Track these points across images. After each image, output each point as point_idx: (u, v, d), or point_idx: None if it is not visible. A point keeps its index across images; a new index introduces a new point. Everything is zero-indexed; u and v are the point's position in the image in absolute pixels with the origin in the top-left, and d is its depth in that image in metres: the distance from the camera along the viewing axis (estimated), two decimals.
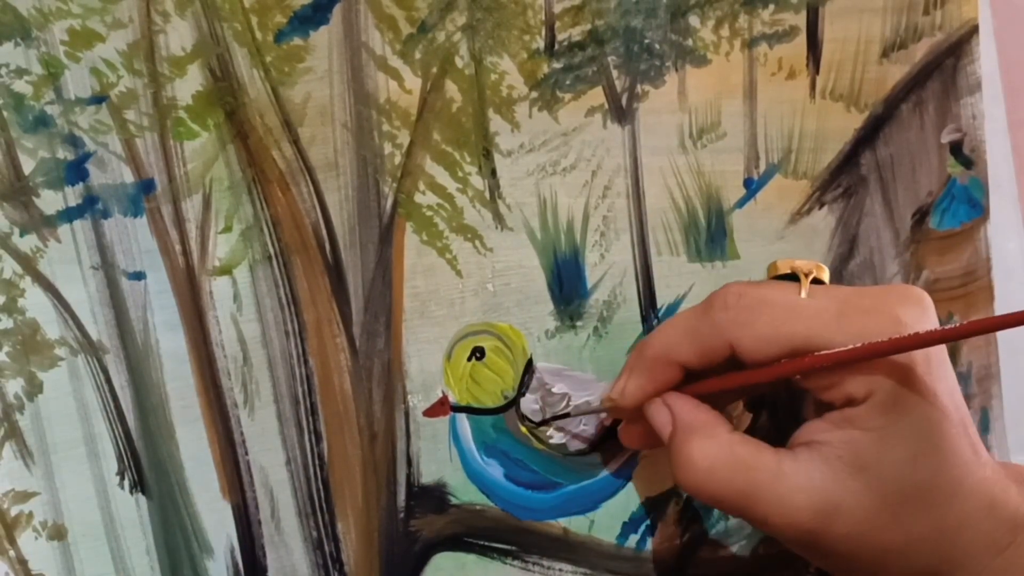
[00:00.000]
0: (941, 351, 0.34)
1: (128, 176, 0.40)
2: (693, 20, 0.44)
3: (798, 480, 0.33)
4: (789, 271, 0.37)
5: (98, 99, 0.39)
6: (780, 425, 0.43)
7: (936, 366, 0.33)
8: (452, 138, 0.42)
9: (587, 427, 0.43)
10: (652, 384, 0.37)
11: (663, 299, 0.44)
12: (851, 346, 0.32)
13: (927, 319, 0.34)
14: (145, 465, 0.40)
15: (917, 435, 0.32)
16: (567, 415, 0.43)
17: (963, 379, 0.47)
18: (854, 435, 0.33)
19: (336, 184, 0.41)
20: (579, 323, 0.44)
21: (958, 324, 0.33)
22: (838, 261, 0.46)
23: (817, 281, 0.36)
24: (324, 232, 0.41)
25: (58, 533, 0.39)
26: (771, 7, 0.44)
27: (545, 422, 0.43)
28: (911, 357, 0.32)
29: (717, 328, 0.35)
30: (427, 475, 0.42)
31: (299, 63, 0.41)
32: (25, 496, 0.38)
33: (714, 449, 0.34)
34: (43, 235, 0.39)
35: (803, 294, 0.35)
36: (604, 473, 0.44)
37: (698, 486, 0.34)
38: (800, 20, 0.45)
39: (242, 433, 0.41)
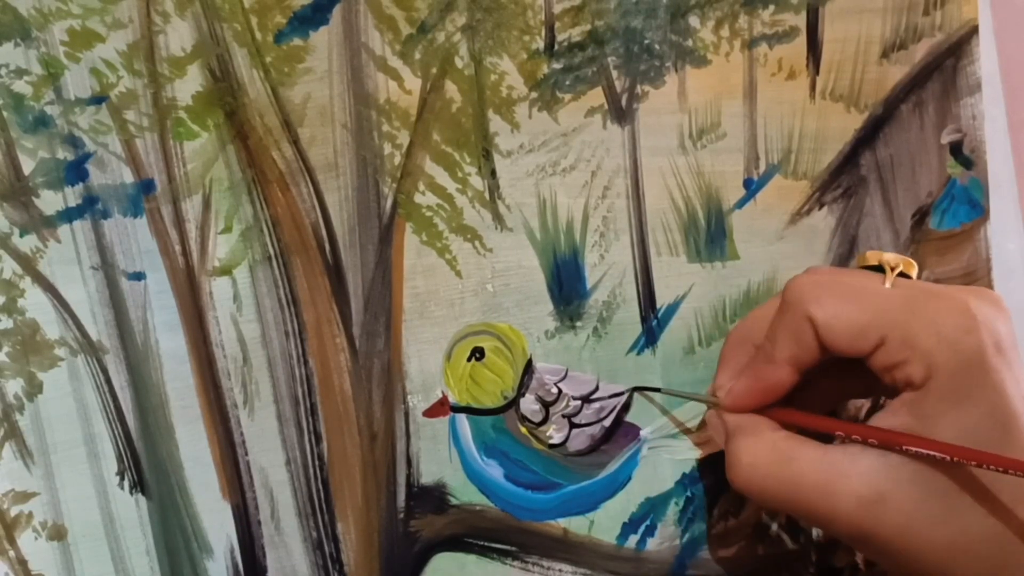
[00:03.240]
0: (1014, 352, 0.33)
1: (128, 176, 0.40)
2: (693, 20, 0.44)
3: (843, 468, 0.32)
4: (877, 263, 0.37)
5: (98, 99, 0.39)
6: None
7: (1009, 365, 0.32)
8: (452, 138, 0.42)
9: (590, 426, 0.43)
10: (758, 386, 0.36)
11: (663, 299, 0.44)
12: (922, 340, 0.32)
13: (1002, 318, 0.33)
14: (145, 465, 0.40)
15: (976, 426, 0.31)
16: (658, 389, 0.43)
17: None
18: (907, 421, 0.32)
19: (336, 184, 0.41)
20: (579, 323, 0.44)
21: None
22: (838, 262, 0.46)
23: (904, 276, 0.36)
24: (324, 232, 0.41)
25: (58, 533, 0.39)
26: (771, 7, 0.44)
27: (658, 389, 0.43)
28: (980, 342, 0.31)
29: (793, 307, 0.35)
30: (427, 475, 0.42)
31: (299, 63, 0.41)
32: (25, 496, 0.39)
33: (757, 445, 0.35)
34: (43, 235, 0.39)
35: (887, 284, 0.35)
36: (604, 474, 0.44)
37: (743, 482, 0.35)
38: (800, 20, 0.45)
39: (242, 433, 0.41)
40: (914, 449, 0.31)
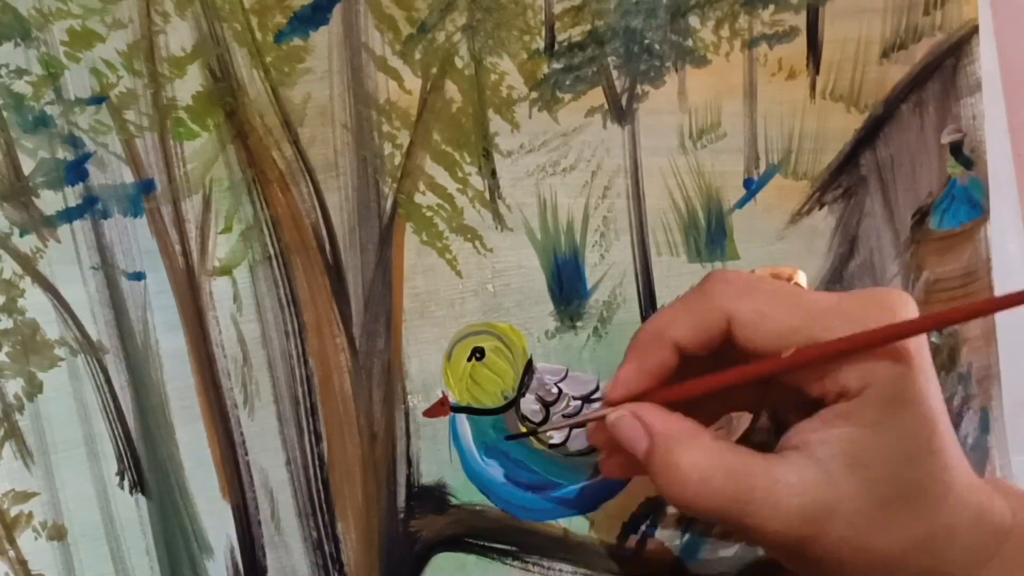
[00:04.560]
0: (927, 357, 0.33)
1: (128, 176, 0.40)
2: (693, 20, 0.44)
3: (791, 484, 0.32)
4: (771, 273, 0.37)
5: (98, 99, 0.39)
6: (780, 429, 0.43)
7: (928, 366, 0.32)
8: (452, 138, 0.42)
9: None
10: (644, 368, 0.34)
11: (663, 299, 0.44)
12: (847, 335, 0.31)
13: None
14: (145, 465, 0.40)
15: (913, 433, 0.31)
16: (534, 432, 0.42)
17: (963, 380, 0.47)
18: (848, 432, 0.32)
19: (336, 184, 0.41)
20: (579, 323, 0.44)
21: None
22: (838, 261, 0.46)
23: (796, 286, 0.36)
24: (324, 232, 0.41)
25: (58, 533, 0.39)
26: (771, 7, 0.44)
27: (533, 432, 0.42)
28: (907, 352, 0.31)
29: (715, 301, 0.33)
30: (427, 475, 0.42)
31: (299, 63, 0.41)
32: (25, 496, 0.38)
33: (704, 458, 0.32)
34: (43, 235, 0.39)
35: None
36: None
37: (691, 498, 0.32)
38: (800, 20, 0.45)
39: (242, 433, 0.41)
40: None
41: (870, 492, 0.31)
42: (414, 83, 0.42)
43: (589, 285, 0.44)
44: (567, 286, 0.43)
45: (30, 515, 0.38)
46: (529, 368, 0.43)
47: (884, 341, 0.31)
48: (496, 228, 0.43)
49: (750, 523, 0.32)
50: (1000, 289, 0.47)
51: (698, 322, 0.33)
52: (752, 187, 0.45)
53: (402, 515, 0.42)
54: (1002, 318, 0.48)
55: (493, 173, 0.43)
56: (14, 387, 0.38)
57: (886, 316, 0.32)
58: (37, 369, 0.39)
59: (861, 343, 0.31)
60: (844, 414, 0.32)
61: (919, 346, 0.32)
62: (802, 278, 0.37)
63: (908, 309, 0.33)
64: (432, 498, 0.42)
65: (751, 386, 0.36)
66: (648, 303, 0.44)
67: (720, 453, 0.33)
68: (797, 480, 0.32)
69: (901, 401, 0.31)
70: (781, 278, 0.36)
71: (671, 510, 0.44)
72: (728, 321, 0.33)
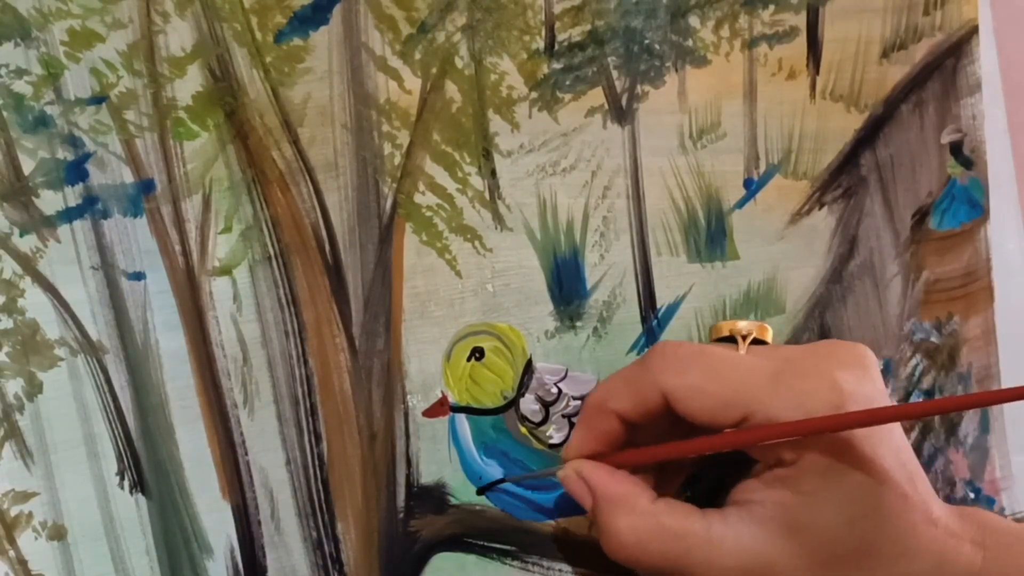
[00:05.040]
0: (885, 399, 0.34)
1: (128, 176, 0.40)
2: (693, 20, 0.44)
3: (728, 543, 0.32)
4: (728, 333, 0.38)
5: (98, 99, 0.39)
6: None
7: (878, 428, 0.33)
8: (452, 138, 0.42)
9: None
10: (592, 435, 0.36)
11: (663, 299, 0.44)
12: (787, 420, 0.32)
13: (868, 380, 0.34)
14: (145, 465, 0.40)
15: (852, 500, 0.32)
16: (502, 481, 0.43)
17: (963, 379, 0.47)
18: (786, 496, 0.32)
19: (336, 184, 0.41)
20: (579, 324, 0.44)
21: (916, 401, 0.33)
22: (838, 262, 0.46)
23: (758, 342, 0.36)
24: (324, 232, 0.41)
25: (58, 533, 0.39)
26: (771, 7, 0.44)
27: (490, 486, 0.42)
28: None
29: (651, 376, 0.34)
30: (427, 475, 0.42)
31: (299, 63, 0.41)
32: (25, 496, 0.39)
33: (640, 522, 0.34)
34: (43, 235, 0.39)
35: (742, 351, 0.35)
36: None
37: (629, 560, 0.34)
38: (800, 20, 0.45)
39: (242, 433, 0.41)
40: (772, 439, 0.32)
41: (809, 554, 0.32)
42: (414, 83, 0.42)
43: (589, 285, 0.44)
44: (567, 286, 0.43)
45: (30, 515, 0.39)
46: (529, 368, 0.43)
47: (825, 430, 0.31)
48: (496, 228, 0.43)
49: None
50: (1000, 289, 0.47)
51: (636, 396, 0.35)
52: (752, 187, 0.45)
53: (402, 515, 0.42)
54: (1002, 317, 0.48)
55: (493, 173, 0.43)
56: (14, 387, 0.38)
57: (824, 394, 0.32)
58: (37, 369, 0.39)
59: (802, 430, 0.32)
60: (782, 478, 0.33)
61: (866, 408, 0.32)
62: (768, 333, 0.38)
63: (854, 374, 0.33)
64: (432, 498, 0.42)
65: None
66: (648, 303, 0.44)
67: (656, 516, 0.34)
68: (734, 539, 0.33)
69: (837, 470, 0.32)
70: (738, 334, 0.37)
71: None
72: (665, 396, 0.34)
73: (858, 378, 0.33)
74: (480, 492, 0.42)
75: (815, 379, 0.33)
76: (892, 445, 0.33)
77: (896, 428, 0.34)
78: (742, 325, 0.38)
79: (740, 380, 0.33)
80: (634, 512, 0.34)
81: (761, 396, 0.33)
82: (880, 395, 0.34)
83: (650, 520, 0.34)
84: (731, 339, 0.38)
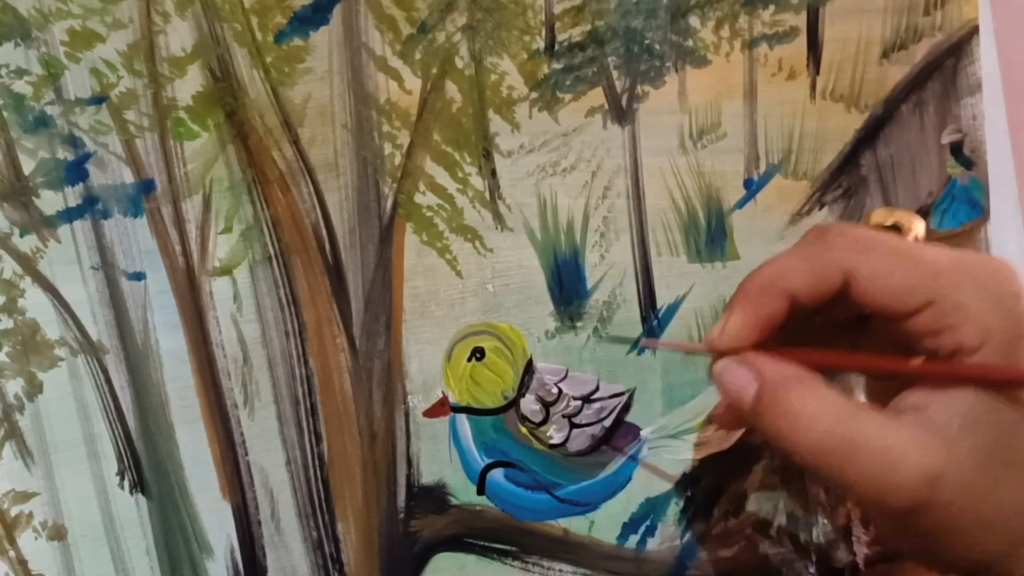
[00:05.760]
0: None
1: (128, 176, 0.40)
2: (693, 21, 0.44)
3: (906, 436, 0.30)
4: (892, 223, 0.36)
5: (98, 99, 0.39)
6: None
7: None
8: (452, 139, 0.42)
9: (590, 426, 0.43)
10: (756, 317, 0.33)
11: (663, 299, 0.44)
12: (974, 304, 0.30)
13: None
14: (145, 465, 0.40)
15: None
16: (636, 341, 0.39)
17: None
18: (964, 394, 0.31)
19: (336, 184, 0.41)
20: (579, 324, 0.44)
21: None
22: None
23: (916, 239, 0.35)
24: (324, 232, 0.41)
25: (58, 533, 0.39)
26: (771, 8, 0.44)
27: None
28: (1021, 315, 0.31)
29: (833, 253, 0.32)
30: (427, 475, 0.42)
31: (299, 63, 0.41)
32: (25, 496, 0.39)
33: (816, 397, 0.31)
34: (43, 235, 0.39)
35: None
36: (604, 474, 0.44)
37: (800, 436, 0.31)
38: (800, 21, 0.45)
39: (242, 433, 0.41)
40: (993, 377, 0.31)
41: (980, 457, 0.30)
42: (414, 83, 0.42)
43: (589, 285, 0.44)
44: (567, 286, 0.43)
45: (30, 515, 0.39)
46: (529, 368, 0.43)
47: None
48: (496, 228, 0.43)
49: (864, 470, 0.31)
50: None
51: (816, 275, 0.32)
52: (752, 187, 0.45)
53: (402, 515, 0.42)
54: None
55: (493, 173, 0.43)
56: (14, 387, 0.38)
57: (1006, 281, 0.31)
58: (37, 369, 0.39)
59: (993, 373, 0.30)
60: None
61: None
62: (920, 228, 0.36)
63: (1020, 278, 0.33)
64: (432, 498, 0.42)
65: (850, 338, 0.35)
66: (648, 303, 0.44)
67: (833, 396, 0.32)
68: (913, 436, 0.31)
69: (1016, 360, 0.30)
70: (903, 224, 0.35)
71: (672, 510, 0.44)
72: (846, 276, 0.32)
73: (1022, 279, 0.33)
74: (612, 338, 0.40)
75: (994, 267, 0.32)
76: None
77: None
78: (902, 215, 0.36)
79: (924, 263, 0.32)
80: (810, 388, 0.32)
81: (947, 278, 0.31)
82: None
83: (827, 396, 0.31)
84: (895, 228, 0.37)
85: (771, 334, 0.33)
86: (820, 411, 0.31)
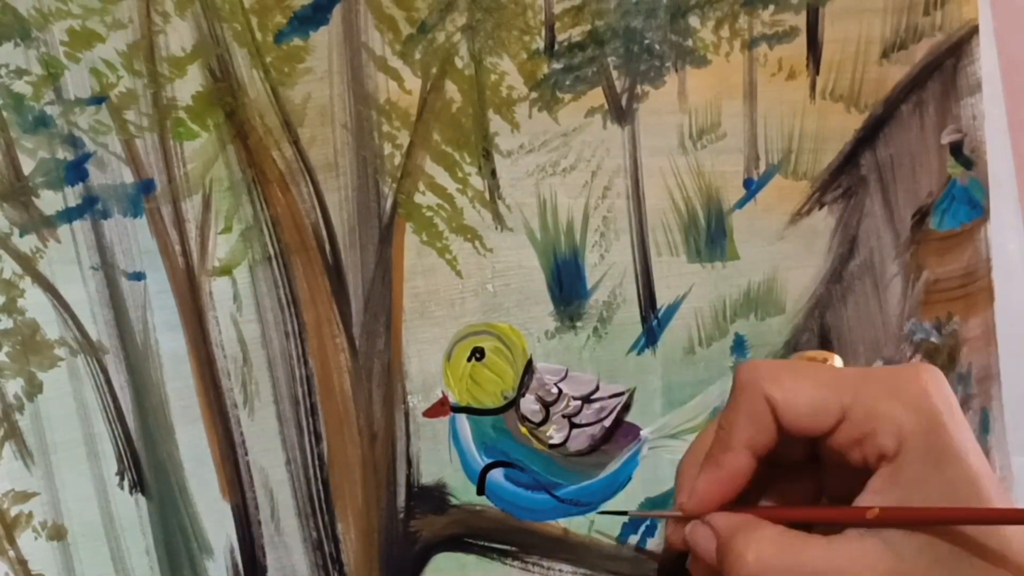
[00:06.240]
0: (962, 415, 0.34)
1: (128, 176, 0.40)
2: (693, 21, 0.44)
3: (852, 553, 0.32)
4: (807, 358, 0.38)
5: (98, 99, 0.39)
6: None
7: (962, 423, 0.33)
8: (452, 138, 0.42)
9: (590, 426, 0.43)
10: (719, 479, 0.35)
11: (663, 299, 0.44)
12: (883, 409, 0.32)
13: (943, 384, 0.34)
14: (145, 465, 0.40)
15: (956, 487, 0.31)
16: (624, 514, 0.42)
17: (963, 380, 0.47)
18: (898, 495, 0.32)
19: (336, 184, 0.41)
20: (579, 323, 0.44)
21: None
22: (838, 262, 0.46)
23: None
24: (324, 232, 0.41)
25: (58, 533, 0.39)
26: (771, 8, 0.44)
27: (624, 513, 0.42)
28: (937, 407, 0.32)
29: (751, 390, 0.34)
30: (427, 475, 0.42)
31: (299, 63, 0.41)
32: (25, 496, 0.39)
33: (760, 541, 0.33)
34: (43, 235, 0.39)
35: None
36: (604, 474, 0.44)
37: (749, 572, 0.33)
38: (800, 21, 0.45)
39: (242, 434, 0.41)
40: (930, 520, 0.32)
41: (930, 550, 0.32)
42: (414, 83, 0.42)
43: (589, 285, 0.44)
44: (567, 286, 0.43)
45: (30, 515, 0.39)
46: (529, 368, 0.43)
47: (988, 520, 0.31)
48: (496, 228, 0.43)
49: None
50: (1000, 289, 0.47)
51: (752, 419, 0.34)
52: (752, 187, 0.45)
53: (402, 515, 0.42)
54: (1002, 318, 0.48)
55: (493, 173, 0.43)
56: (14, 387, 0.38)
57: (911, 383, 0.33)
58: (37, 369, 0.39)
59: (958, 515, 0.31)
60: (890, 477, 0.32)
61: (950, 406, 0.33)
62: (837, 361, 0.38)
63: (933, 375, 0.33)
64: (432, 498, 0.42)
65: (808, 471, 0.36)
66: (648, 303, 0.44)
67: (778, 534, 0.33)
68: (859, 551, 0.32)
69: (938, 457, 0.32)
70: (816, 360, 0.38)
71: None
72: (769, 404, 0.34)
73: (936, 379, 0.34)
74: (601, 513, 0.43)
75: (898, 372, 0.33)
76: (976, 445, 0.33)
77: (971, 430, 0.34)
78: (814, 353, 0.39)
79: (829, 379, 0.34)
80: (755, 532, 0.34)
81: (853, 389, 0.33)
82: (955, 400, 0.34)
83: (772, 538, 0.33)
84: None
85: (740, 490, 0.35)
86: (765, 552, 0.33)
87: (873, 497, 0.33)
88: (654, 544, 0.44)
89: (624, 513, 0.42)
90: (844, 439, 0.33)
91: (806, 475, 0.36)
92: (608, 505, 0.44)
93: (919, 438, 0.32)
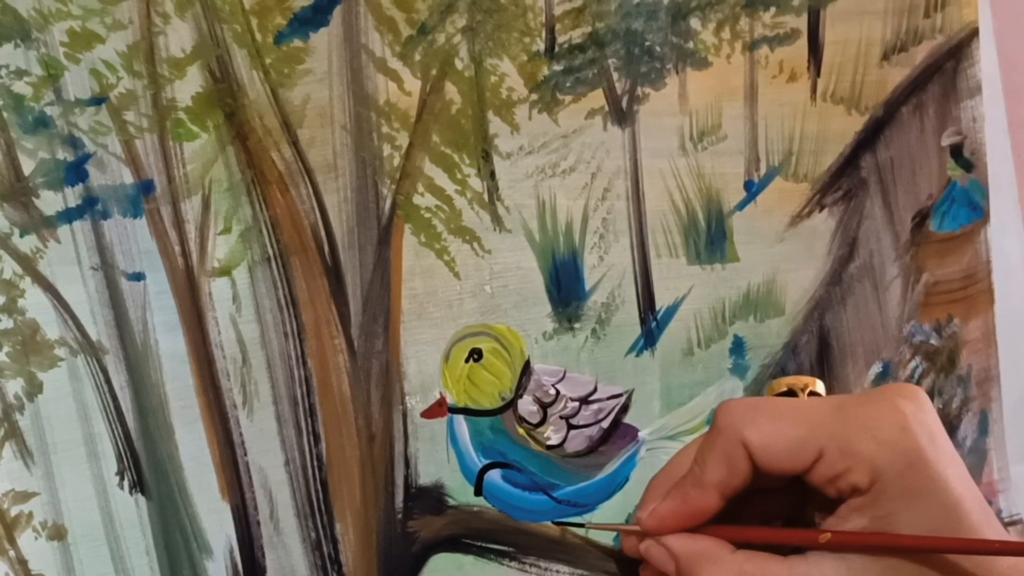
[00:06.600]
0: (946, 442, 0.34)
1: (128, 177, 0.40)
2: (694, 22, 0.44)
3: (811, 575, 0.32)
4: (786, 388, 0.38)
5: (98, 100, 0.39)
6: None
7: (943, 452, 0.33)
8: (451, 140, 0.42)
9: (588, 427, 0.43)
10: (684, 510, 0.36)
11: (662, 301, 0.44)
12: (859, 447, 0.32)
13: (925, 411, 0.34)
14: (145, 466, 0.40)
15: (931, 519, 0.32)
16: (581, 525, 0.43)
17: (962, 382, 0.47)
18: (862, 524, 0.32)
19: (335, 186, 0.41)
20: (577, 325, 0.44)
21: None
22: (838, 264, 0.46)
23: (813, 394, 0.37)
24: (323, 233, 0.41)
25: (58, 533, 0.39)
26: (772, 10, 0.44)
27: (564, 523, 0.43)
28: (917, 443, 0.32)
29: (727, 432, 0.34)
30: (425, 476, 0.42)
31: (299, 65, 0.41)
32: (25, 496, 0.39)
33: (723, 571, 0.34)
34: (43, 236, 0.39)
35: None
36: (602, 475, 0.44)
37: None
38: (801, 23, 0.44)
39: (241, 434, 0.41)
40: (887, 545, 0.32)
41: None
42: (414, 85, 0.42)
43: (587, 287, 0.44)
44: (565, 288, 0.43)
45: (30, 515, 0.39)
46: (527, 369, 0.43)
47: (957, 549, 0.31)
48: (495, 229, 0.43)
49: None
50: (1000, 291, 0.47)
51: (726, 460, 0.35)
52: (752, 189, 0.45)
53: (400, 516, 0.42)
54: (1002, 319, 0.48)
55: (492, 175, 0.43)
56: (14, 387, 0.39)
57: (887, 418, 0.33)
58: (37, 369, 0.39)
59: (926, 544, 0.32)
60: (859, 508, 0.33)
61: (931, 436, 0.33)
62: (820, 387, 0.38)
63: (912, 403, 0.33)
64: (430, 499, 0.43)
65: (780, 492, 0.37)
66: (647, 305, 0.44)
67: (738, 565, 0.34)
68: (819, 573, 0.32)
69: (913, 492, 0.32)
70: (796, 387, 0.38)
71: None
72: (744, 447, 0.34)
73: (917, 407, 0.34)
74: (556, 523, 0.43)
75: (877, 405, 0.33)
76: (959, 471, 0.33)
77: (959, 460, 0.34)
78: (796, 380, 0.39)
79: (806, 418, 0.34)
80: (716, 563, 0.34)
81: (829, 428, 0.33)
82: (938, 427, 0.34)
83: (732, 569, 0.34)
84: (790, 393, 0.39)
85: (701, 524, 0.36)
86: (723, 572, 0.34)
87: (839, 523, 0.33)
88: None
89: (581, 525, 0.42)
90: (820, 477, 0.34)
91: (787, 490, 0.36)
92: (606, 506, 0.44)
93: (894, 478, 0.32)
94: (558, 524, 0.43)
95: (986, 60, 0.46)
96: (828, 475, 0.33)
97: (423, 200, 0.42)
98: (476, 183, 0.42)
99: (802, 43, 0.45)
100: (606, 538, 0.44)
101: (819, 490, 0.34)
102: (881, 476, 0.32)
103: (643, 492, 0.39)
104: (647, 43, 0.43)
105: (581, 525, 0.43)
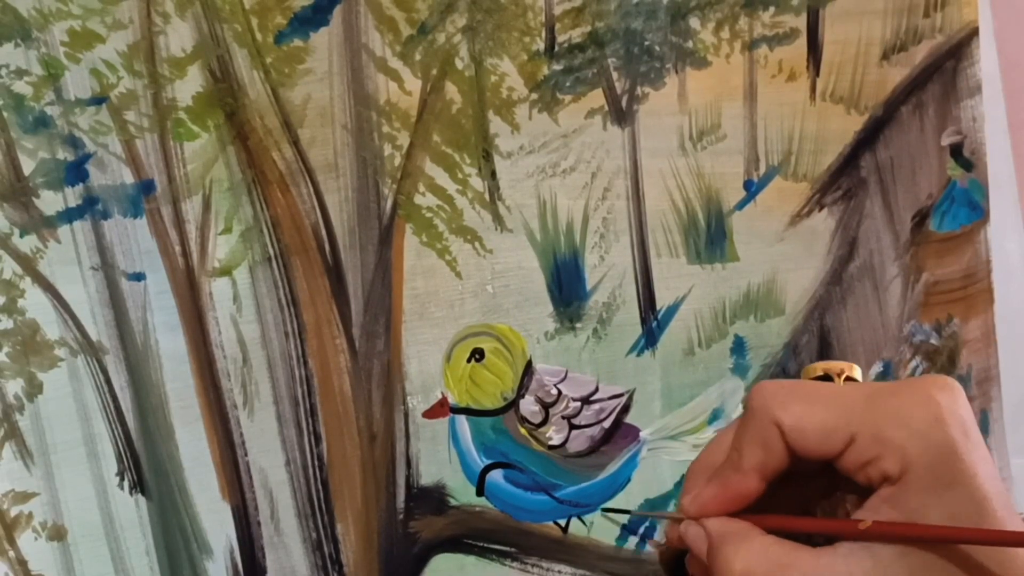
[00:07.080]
0: (978, 437, 0.34)
1: (128, 177, 0.40)
2: (693, 22, 0.44)
3: (839, 570, 0.32)
4: (823, 373, 0.38)
5: (98, 100, 0.39)
6: None
7: (976, 446, 0.33)
8: (452, 140, 0.42)
9: (590, 427, 0.43)
10: (724, 495, 0.36)
11: (662, 301, 0.44)
12: (891, 435, 0.32)
13: (959, 403, 0.34)
14: (145, 466, 0.40)
15: (959, 511, 0.31)
16: (628, 512, 0.43)
17: (963, 381, 0.47)
18: (890, 515, 0.32)
19: (336, 185, 0.41)
20: (578, 325, 0.44)
21: None
22: (838, 263, 0.46)
23: (850, 379, 0.37)
24: (324, 233, 0.41)
25: (58, 534, 0.39)
26: (771, 9, 0.44)
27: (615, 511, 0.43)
28: (949, 435, 0.32)
29: (760, 415, 0.35)
30: (426, 476, 0.42)
31: (299, 64, 0.41)
32: (25, 496, 0.39)
33: (748, 552, 0.34)
34: (43, 236, 0.39)
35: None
36: (603, 475, 0.44)
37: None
38: (800, 22, 0.45)
39: (242, 434, 0.41)
40: (915, 536, 0.32)
41: (920, 572, 0.32)
42: (414, 84, 0.42)
43: (589, 286, 0.44)
44: (566, 287, 0.43)
45: (30, 515, 0.39)
46: (528, 369, 0.43)
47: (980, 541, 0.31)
48: (496, 229, 0.43)
49: None
50: (1000, 291, 0.47)
51: (763, 444, 0.35)
52: (752, 189, 0.45)
53: (401, 516, 0.42)
54: (1002, 320, 0.48)
55: (493, 174, 0.43)
56: (14, 387, 0.38)
57: (921, 408, 0.33)
58: (37, 369, 0.39)
59: (947, 535, 0.31)
60: (889, 499, 0.33)
61: (964, 429, 0.33)
62: (857, 372, 0.38)
63: (947, 394, 0.33)
64: (431, 499, 0.42)
65: (809, 481, 0.37)
66: (648, 304, 0.44)
67: (765, 547, 0.34)
68: (844, 569, 0.32)
69: (943, 484, 0.32)
70: (833, 372, 0.38)
71: (671, 511, 0.44)
72: (780, 430, 0.34)
73: (952, 399, 0.34)
74: (603, 511, 0.43)
75: (909, 394, 0.33)
76: (989, 469, 0.33)
77: (990, 458, 0.34)
78: (833, 364, 0.38)
79: (839, 403, 0.34)
80: (743, 542, 0.34)
81: (862, 414, 0.33)
82: (971, 420, 0.34)
83: (758, 549, 0.34)
84: (826, 377, 0.39)
85: (744, 507, 0.36)
86: (753, 565, 0.34)
87: (868, 514, 0.33)
88: (653, 546, 0.44)
89: (627, 512, 0.42)
90: (850, 462, 0.34)
91: (822, 476, 0.36)
92: (607, 506, 0.44)
93: (924, 467, 0.32)
94: (605, 512, 0.43)
95: (986, 60, 0.46)
96: (859, 461, 0.33)
97: (424, 200, 0.42)
98: (477, 183, 0.42)
99: (801, 43, 0.45)
100: (608, 538, 0.44)
101: (850, 476, 0.34)
102: (912, 466, 0.32)
103: (685, 478, 0.39)
104: (647, 43, 0.43)
105: (628, 512, 0.43)
